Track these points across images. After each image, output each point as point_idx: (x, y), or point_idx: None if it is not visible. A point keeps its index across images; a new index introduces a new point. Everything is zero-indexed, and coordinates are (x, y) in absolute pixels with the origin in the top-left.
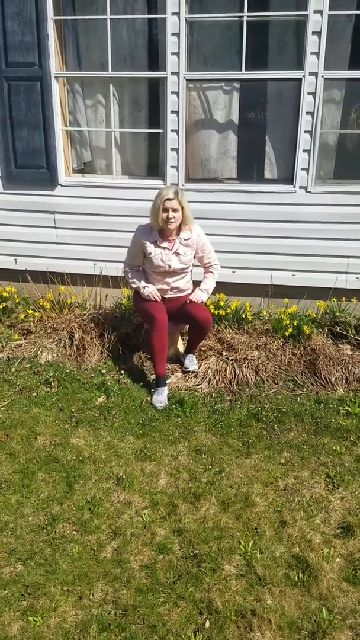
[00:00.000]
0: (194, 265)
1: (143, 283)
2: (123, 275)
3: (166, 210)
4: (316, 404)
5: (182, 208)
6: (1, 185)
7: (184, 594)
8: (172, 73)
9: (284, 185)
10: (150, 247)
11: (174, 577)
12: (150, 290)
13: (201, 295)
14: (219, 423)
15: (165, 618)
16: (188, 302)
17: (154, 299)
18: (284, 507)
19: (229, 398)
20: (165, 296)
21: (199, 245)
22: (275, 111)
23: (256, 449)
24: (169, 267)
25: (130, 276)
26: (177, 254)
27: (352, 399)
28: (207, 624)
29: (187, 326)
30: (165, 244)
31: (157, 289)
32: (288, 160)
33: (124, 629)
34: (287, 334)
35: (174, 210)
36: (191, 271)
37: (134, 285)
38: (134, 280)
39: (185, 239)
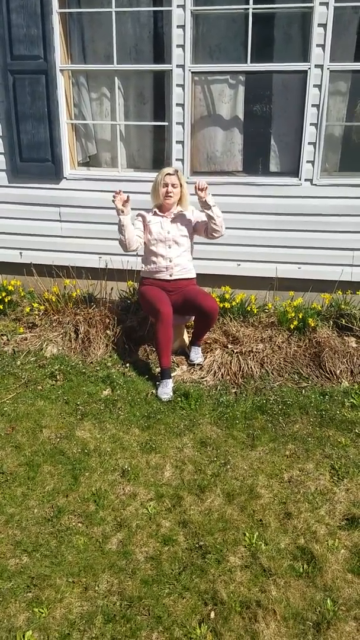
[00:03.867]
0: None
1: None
2: (119, 247)
3: (166, 184)
4: (321, 397)
5: (181, 185)
6: (6, 179)
7: (189, 585)
8: (178, 66)
9: (289, 178)
10: (149, 216)
11: (179, 568)
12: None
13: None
14: (224, 415)
15: (171, 609)
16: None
17: (118, 199)
18: (288, 499)
19: (234, 391)
20: (170, 278)
21: (194, 218)
22: (281, 104)
23: (261, 441)
24: (168, 232)
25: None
26: (174, 220)
27: (357, 392)
28: (212, 615)
29: (193, 318)
30: (164, 214)
31: (162, 267)
32: (293, 153)
33: (129, 620)
34: (292, 326)
35: (173, 185)
36: (190, 251)
37: (121, 226)
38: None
39: (180, 210)
